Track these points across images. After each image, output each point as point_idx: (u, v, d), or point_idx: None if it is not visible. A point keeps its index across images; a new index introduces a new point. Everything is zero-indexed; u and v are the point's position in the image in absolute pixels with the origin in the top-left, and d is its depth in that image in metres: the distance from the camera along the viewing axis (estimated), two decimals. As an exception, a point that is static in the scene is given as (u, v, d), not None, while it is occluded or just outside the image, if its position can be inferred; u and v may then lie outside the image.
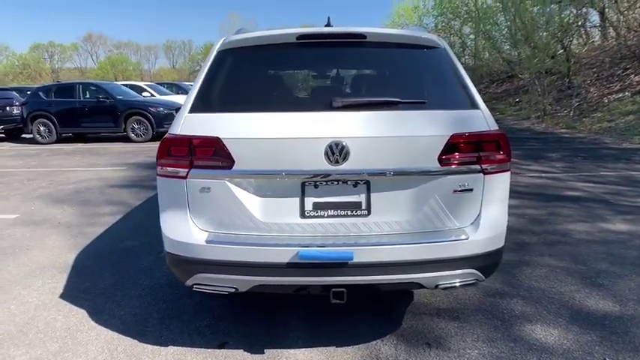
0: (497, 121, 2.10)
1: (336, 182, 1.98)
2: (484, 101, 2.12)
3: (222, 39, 2.33)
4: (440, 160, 1.96)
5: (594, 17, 16.37)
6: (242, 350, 2.25)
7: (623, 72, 13.45)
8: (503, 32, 17.52)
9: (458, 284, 2.03)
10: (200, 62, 78.68)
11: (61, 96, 11.60)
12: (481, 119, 2.04)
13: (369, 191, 1.99)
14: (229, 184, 1.98)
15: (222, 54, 2.25)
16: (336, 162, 1.91)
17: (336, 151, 1.90)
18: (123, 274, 3.19)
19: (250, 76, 2.31)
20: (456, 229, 2.02)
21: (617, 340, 2.24)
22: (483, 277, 2.08)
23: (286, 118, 2.00)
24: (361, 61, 2.44)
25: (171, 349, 2.28)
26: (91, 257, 3.56)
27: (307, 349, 2.25)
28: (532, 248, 3.51)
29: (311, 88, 2.34)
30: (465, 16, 20.72)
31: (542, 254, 3.37)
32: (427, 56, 2.30)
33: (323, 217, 2.00)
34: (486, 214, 2.04)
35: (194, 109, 2.08)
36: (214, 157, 1.97)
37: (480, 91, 2.20)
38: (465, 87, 2.13)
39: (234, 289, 2.01)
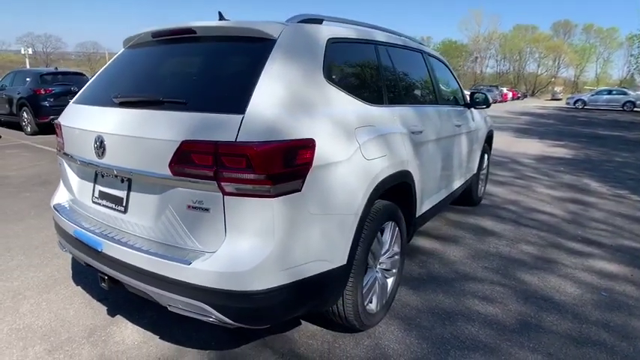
0: None
1: (109, 175, 1.98)
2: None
3: None
4: (171, 168, 1.66)
5: None
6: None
7: None
8: None
9: (189, 314, 1.74)
10: (435, 59, 78.90)
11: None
12: (233, 126, 1.56)
13: (129, 189, 1.90)
14: (65, 164, 2.30)
15: (123, 51, 2.48)
16: (98, 155, 1.96)
17: (98, 145, 1.94)
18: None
19: (111, 72, 2.39)
20: (196, 251, 1.68)
21: None
22: (229, 321, 1.67)
23: (85, 110, 2.17)
24: (190, 57, 2.20)
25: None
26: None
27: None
28: None
29: (130, 84, 2.18)
30: None
31: None
32: (243, 50, 1.93)
33: (101, 205, 2.05)
34: (231, 243, 1.61)
35: (75, 100, 2.36)
36: (59, 139, 2.31)
37: None
38: (248, 87, 1.67)
39: (63, 250, 2.33)
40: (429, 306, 2.65)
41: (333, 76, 2.02)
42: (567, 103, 32.62)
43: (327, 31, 2.08)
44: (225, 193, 1.58)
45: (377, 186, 2.04)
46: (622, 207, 5.09)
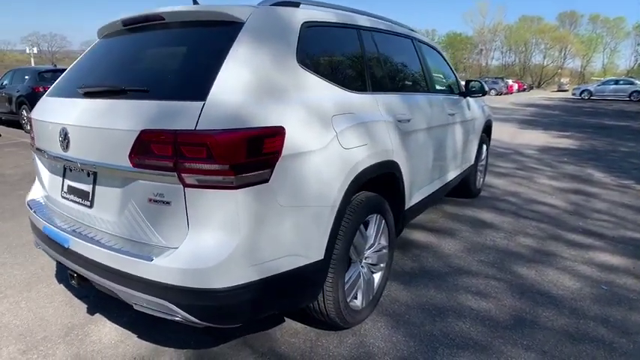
0: None
1: (76, 169, 1.89)
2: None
3: None
4: (131, 159, 1.57)
5: None
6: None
7: None
8: None
9: (155, 313, 1.66)
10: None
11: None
12: (193, 114, 1.46)
13: (95, 183, 1.81)
14: (36, 158, 2.23)
15: (98, 41, 2.38)
16: (63, 148, 1.86)
17: (62, 137, 1.87)
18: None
19: (84, 63, 2.29)
20: (160, 247, 1.59)
21: None
22: (195, 320, 1.59)
23: (54, 102, 2.09)
24: (158, 44, 2.08)
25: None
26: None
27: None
28: None
29: (98, 74, 2.10)
30: None
31: None
32: (210, 34, 1.82)
33: (69, 199, 1.97)
34: (195, 238, 1.52)
35: (48, 93, 2.28)
36: (32, 134, 2.23)
37: None
38: (211, 73, 1.57)
39: (38, 247, 2.23)
40: (419, 302, 2.55)
41: (309, 62, 1.91)
42: (573, 94, 32.19)
43: (303, 15, 1.97)
44: (185, 185, 1.49)
45: (356, 177, 1.94)
46: (626, 197, 4.94)
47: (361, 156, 1.98)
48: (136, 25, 2.07)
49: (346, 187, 1.88)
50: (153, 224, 1.60)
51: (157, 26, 1.98)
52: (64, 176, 2.00)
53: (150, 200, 1.57)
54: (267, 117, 1.58)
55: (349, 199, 1.95)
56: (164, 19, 1.91)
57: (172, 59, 1.93)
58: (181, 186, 1.49)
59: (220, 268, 1.50)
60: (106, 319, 2.37)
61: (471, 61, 77.80)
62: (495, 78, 41.32)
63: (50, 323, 2.33)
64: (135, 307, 1.70)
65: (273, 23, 1.83)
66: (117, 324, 2.32)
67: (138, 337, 2.21)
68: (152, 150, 1.52)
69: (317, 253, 1.79)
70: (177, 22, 1.92)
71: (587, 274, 2.97)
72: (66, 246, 1.82)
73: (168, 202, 1.53)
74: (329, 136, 1.81)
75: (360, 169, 1.97)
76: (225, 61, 1.59)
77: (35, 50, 58.03)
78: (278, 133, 1.59)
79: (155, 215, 1.58)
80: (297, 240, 1.71)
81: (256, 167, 1.52)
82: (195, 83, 1.60)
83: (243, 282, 1.55)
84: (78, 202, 1.90)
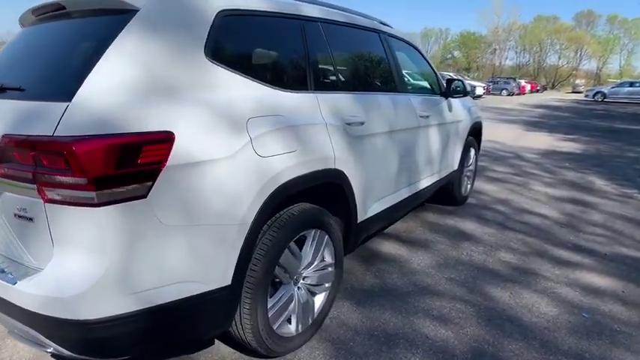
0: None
1: None
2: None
3: None
4: None
5: None
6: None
7: None
8: None
9: (28, 343, 1.48)
10: (452, 51, 77.39)
11: None
12: (54, 117, 1.25)
13: None
14: None
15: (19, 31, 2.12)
16: None
17: None
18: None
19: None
20: (31, 268, 1.38)
21: None
22: (68, 353, 1.38)
23: None
24: (56, 36, 1.80)
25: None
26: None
27: None
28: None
29: None
30: None
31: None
32: (100, 25, 1.58)
33: None
34: (59, 261, 1.31)
35: None
36: None
37: None
38: (85, 69, 1.34)
39: None
40: (370, 326, 2.26)
41: (224, 56, 1.63)
42: (586, 96, 31.43)
43: (220, 1, 1.68)
44: (45, 200, 1.27)
45: (278, 189, 1.65)
46: (626, 208, 4.58)
47: (285, 165, 1.69)
48: (44, 15, 1.84)
49: (262, 201, 1.60)
50: (22, 242, 1.40)
51: (62, 16, 1.75)
52: None
53: (15, 215, 1.37)
54: (151, 120, 1.34)
55: (269, 215, 1.67)
56: (65, 9, 1.68)
57: (58, 53, 1.69)
58: (42, 201, 1.27)
59: (87, 297, 1.27)
60: (17, 336, 2.13)
61: (484, 60, 76.46)
62: (507, 78, 40.52)
63: (-43, 339, 2.10)
64: (11, 334, 1.51)
65: (177, 11, 1.55)
66: (28, 342, 2.08)
67: (51, 355, 1.97)
68: (15, 158, 1.32)
69: (220, 279, 1.52)
70: (77, 12, 1.69)
71: (569, 299, 2.65)
72: None
73: (30, 219, 1.33)
74: (240, 143, 1.53)
75: (284, 180, 1.68)
76: (105, 54, 1.35)
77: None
78: (163, 139, 1.33)
79: (22, 232, 1.38)
80: (191, 264, 1.44)
81: (129, 180, 1.28)
82: (66, 81, 1.38)
83: (118, 313, 1.31)
84: None
